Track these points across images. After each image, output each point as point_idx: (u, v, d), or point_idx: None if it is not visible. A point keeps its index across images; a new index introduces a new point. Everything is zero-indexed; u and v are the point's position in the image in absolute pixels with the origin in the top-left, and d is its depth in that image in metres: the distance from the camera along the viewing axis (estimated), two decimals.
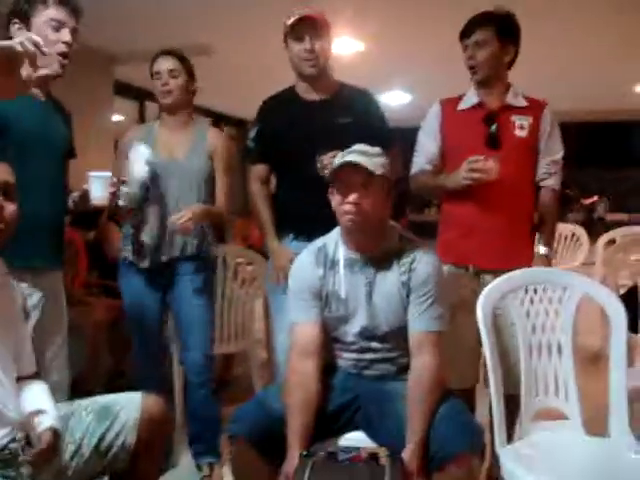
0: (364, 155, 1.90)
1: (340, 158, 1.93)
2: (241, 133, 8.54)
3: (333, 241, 2.03)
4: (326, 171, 2.19)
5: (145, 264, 2.63)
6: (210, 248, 2.75)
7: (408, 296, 1.95)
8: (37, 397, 1.66)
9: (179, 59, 2.63)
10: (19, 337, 1.69)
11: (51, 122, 2.10)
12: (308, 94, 2.50)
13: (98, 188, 2.11)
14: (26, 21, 2.01)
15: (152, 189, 2.55)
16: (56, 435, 1.57)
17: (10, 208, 1.60)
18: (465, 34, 2.39)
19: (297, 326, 2.00)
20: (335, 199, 1.94)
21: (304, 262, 2.04)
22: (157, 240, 2.60)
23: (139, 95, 5.65)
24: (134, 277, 2.67)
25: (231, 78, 6.05)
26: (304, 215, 2.42)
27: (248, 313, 3.49)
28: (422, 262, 1.96)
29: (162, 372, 2.85)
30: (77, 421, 1.71)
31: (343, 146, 2.13)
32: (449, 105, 2.49)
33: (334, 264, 2.00)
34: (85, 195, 2.13)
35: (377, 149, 1.97)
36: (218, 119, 8.16)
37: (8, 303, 1.65)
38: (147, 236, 2.60)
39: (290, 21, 2.39)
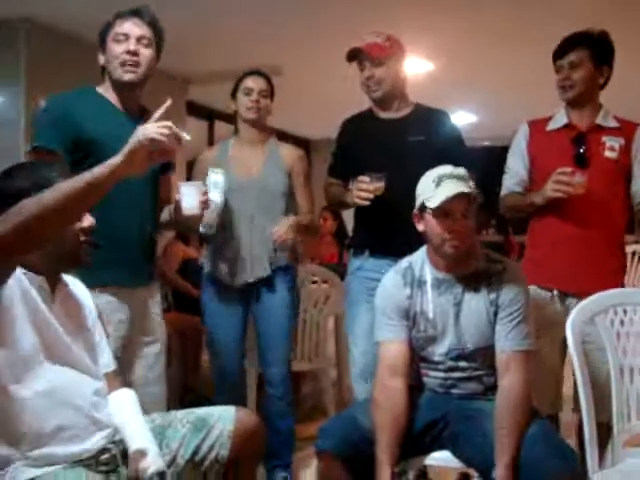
0: (461, 179, 1.91)
1: (434, 182, 1.93)
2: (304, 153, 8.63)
3: (419, 261, 2.05)
4: (360, 198, 2.31)
5: (232, 282, 2.68)
6: (296, 263, 2.81)
7: (496, 314, 1.95)
8: (131, 420, 1.67)
9: (268, 81, 2.74)
10: (96, 341, 1.72)
11: None
12: (383, 113, 2.56)
13: (189, 198, 2.12)
14: (103, 44, 2.13)
15: (230, 207, 2.61)
16: (162, 478, 1.58)
17: (89, 221, 1.61)
18: (559, 54, 2.38)
19: (385, 344, 2.01)
20: (434, 227, 1.94)
21: (391, 282, 2.05)
22: (241, 258, 2.65)
23: (209, 115, 5.78)
24: (218, 293, 2.72)
25: (297, 98, 6.13)
26: (380, 231, 2.46)
27: (321, 332, 3.51)
28: (511, 280, 1.96)
29: (239, 388, 2.86)
30: (173, 432, 1.74)
31: (414, 164, 2.19)
32: (537, 125, 2.47)
33: (421, 284, 2.01)
34: (178, 206, 2.15)
35: (462, 170, 1.97)
36: (281, 137, 8.26)
37: (77, 312, 1.68)
38: (231, 254, 2.66)
39: (346, 53, 2.48)
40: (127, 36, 2.07)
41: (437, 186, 1.92)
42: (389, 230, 2.43)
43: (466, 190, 1.89)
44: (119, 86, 2.11)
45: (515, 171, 2.50)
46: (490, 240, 6.91)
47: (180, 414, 1.80)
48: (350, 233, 2.85)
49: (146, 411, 1.78)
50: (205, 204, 2.15)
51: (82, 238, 1.58)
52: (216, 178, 2.41)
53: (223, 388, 2.77)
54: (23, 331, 1.47)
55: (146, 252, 2.21)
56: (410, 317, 2.00)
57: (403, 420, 1.91)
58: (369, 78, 2.47)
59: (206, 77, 5.20)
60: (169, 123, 1.45)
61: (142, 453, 1.58)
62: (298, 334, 3.38)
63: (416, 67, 4.99)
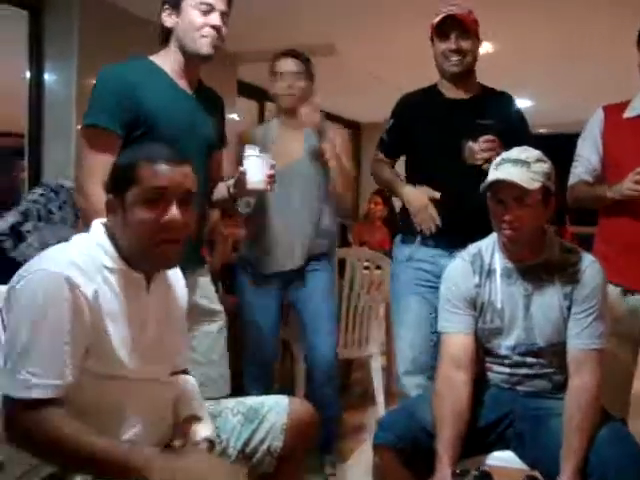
0: (520, 165, 1.77)
1: (494, 167, 1.82)
2: (353, 136, 8.50)
3: (489, 248, 1.93)
4: (477, 158, 2.18)
5: (268, 268, 2.62)
6: (335, 248, 2.74)
7: (569, 309, 1.83)
8: (190, 399, 1.62)
9: (303, 61, 2.59)
10: (182, 333, 1.67)
11: (199, 116, 2.03)
12: (451, 92, 2.41)
13: (255, 171, 1.99)
14: (177, 7, 1.96)
15: (271, 195, 2.48)
16: (211, 446, 1.54)
17: (187, 218, 1.44)
18: None
19: (449, 335, 1.91)
20: (491, 210, 1.85)
21: (458, 269, 1.94)
22: (279, 244, 2.58)
23: (259, 95, 5.70)
24: (254, 277, 2.66)
25: (349, 80, 6.01)
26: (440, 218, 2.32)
27: (372, 319, 3.43)
28: (587, 274, 1.83)
29: (271, 375, 2.83)
30: (224, 422, 1.67)
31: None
32: (614, 112, 2.29)
33: (490, 273, 1.90)
34: (242, 179, 2.03)
35: (537, 153, 1.84)
36: (330, 120, 8.18)
37: (170, 305, 1.60)
38: (269, 239, 2.59)
39: (436, 20, 2.32)
40: (212, 7, 1.93)
41: (495, 169, 1.81)
42: (445, 218, 2.30)
43: (516, 178, 1.74)
44: (190, 58, 1.97)
45: (586, 159, 2.34)
46: None
47: (231, 403, 1.73)
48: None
49: (208, 392, 1.73)
50: (272, 178, 2.05)
51: (161, 236, 1.40)
52: (257, 161, 2.21)
53: (255, 371, 2.73)
54: (117, 333, 1.40)
55: (198, 233, 2.12)
56: (477, 307, 1.90)
57: (466, 415, 1.81)
58: (455, 50, 2.30)
59: (256, 56, 5.10)
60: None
61: (194, 418, 1.55)
62: (348, 321, 3.30)
63: None
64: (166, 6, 1.97)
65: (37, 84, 3.85)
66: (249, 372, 2.73)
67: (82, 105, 3.71)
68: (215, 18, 1.94)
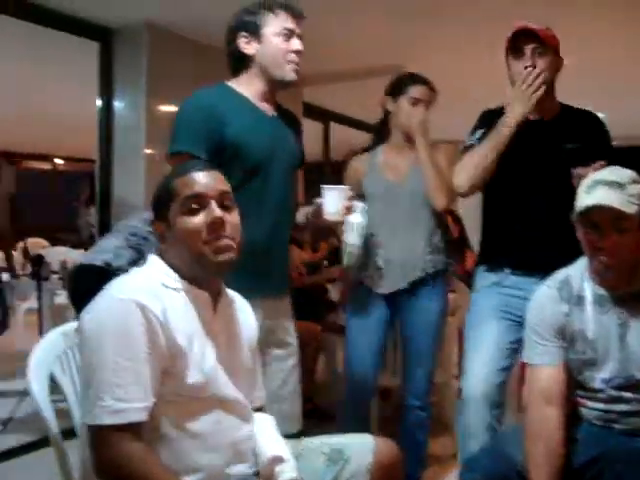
0: (616, 188, 1.64)
1: (585, 191, 1.70)
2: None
3: (578, 274, 1.81)
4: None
5: (378, 289, 2.59)
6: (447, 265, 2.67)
7: None
8: (273, 439, 1.57)
9: (434, 91, 2.62)
10: (254, 366, 1.62)
11: (281, 139, 2.05)
12: (530, 113, 2.22)
13: (332, 202, 2.00)
14: (257, 34, 1.96)
15: (382, 214, 2.53)
16: None
17: (232, 218, 1.46)
18: None
19: (537, 368, 1.79)
20: (582, 238, 1.73)
21: (546, 296, 1.83)
22: (389, 264, 2.56)
23: (325, 116, 5.68)
24: (363, 299, 2.64)
25: None
26: (523, 245, 2.19)
27: (447, 343, 3.32)
28: None
29: (369, 394, 2.78)
30: (306, 464, 1.59)
31: (567, 174, 1.99)
32: None
33: (580, 300, 1.78)
34: (319, 210, 2.04)
35: (630, 173, 1.70)
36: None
37: (238, 334, 1.56)
38: (378, 260, 2.57)
39: (510, 33, 2.18)
40: (292, 32, 1.96)
41: (587, 192, 1.69)
42: (535, 246, 2.16)
43: (613, 202, 1.61)
44: (274, 82, 1.99)
45: None
46: None
47: (313, 443, 1.65)
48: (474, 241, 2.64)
49: (280, 428, 1.65)
50: (349, 210, 2.04)
51: (207, 237, 1.41)
52: (356, 219, 2.28)
53: (353, 395, 2.70)
54: (191, 352, 1.38)
55: (285, 258, 2.10)
56: (567, 337, 1.78)
57: (560, 455, 1.69)
58: (529, 67, 2.11)
59: (321, 78, 5.10)
60: None
61: (278, 459, 1.49)
62: None
63: None
64: (243, 33, 1.98)
65: (107, 111, 3.94)
66: (347, 394, 2.72)
67: (151, 131, 3.85)
68: (297, 43, 1.97)
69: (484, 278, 2.30)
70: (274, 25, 1.95)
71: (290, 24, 1.96)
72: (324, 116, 5.62)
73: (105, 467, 1.28)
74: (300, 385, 2.13)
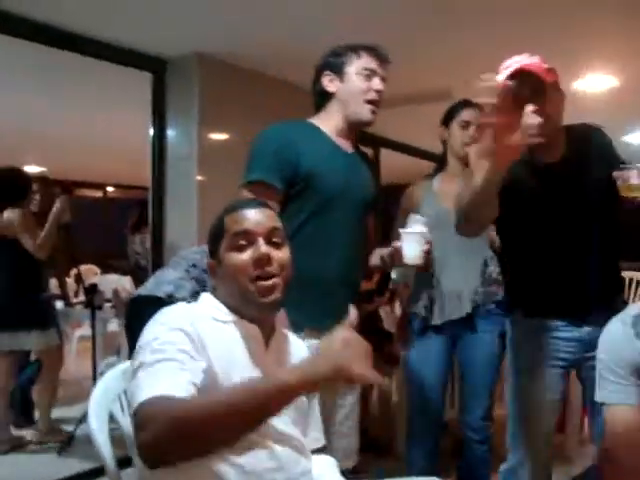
0: None
1: None
2: None
3: None
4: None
5: (437, 321, 2.56)
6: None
7: None
8: (332, 476, 1.52)
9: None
10: (307, 407, 1.54)
11: (356, 175, 2.05)
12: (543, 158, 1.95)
13: (412, 247, 1.99)
14: (340, 72, 2.02)
15: (439, 239, 2.39)
16: None
17: (280, 254, 1.46)
18: None
19: (615, 410, 1.69)
20: None
21: (619, 332, 1.73)
22: (445, 295, 2.54)
23: (374, 142, 5.66)
24: (422, 332, 2.61)
25: None
26: (538, 292, 2.04)
27: None
28: None
29: (439, 427, 2.74)
30: None
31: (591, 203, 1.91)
32: None
33: None
34: (397, 253, 2.04)
35: None
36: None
37: (292, 361, 1.52)
38: (434, 290, 2.55)
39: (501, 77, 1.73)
40: (374, 72, 2.00)
41: None
42: (548, 291, 2.02)
43: None
44: (352, 121, 2.02)
45: None
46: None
47: None
48: None
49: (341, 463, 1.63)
50: (428, 253, 2.02)
51: (253, 273, 1.41)
52: (414, 229, 2.15)
53: (422, 426, 2.66)
54: (228, 380, 1.33)
55: (352, 295, 2.06)
56: None
57: None
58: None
59: None
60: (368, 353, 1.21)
61: None
62: None
63: (599, 84, 4.57)
64: (327, 72, 2.04)
65: (160, 140, 3.99)
66: (414, 427, 2.69)
67: (203, 159, 3.87)
68: (377, 83, 1.99)
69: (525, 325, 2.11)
70: (356, 65, 2.00)
71: (373, 65, 2.00)
72: (374, 141, 5.60)
73: (148, 436, 1.13)
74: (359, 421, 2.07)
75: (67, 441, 3.71)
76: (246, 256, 1.42)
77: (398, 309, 4.22)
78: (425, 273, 2.52)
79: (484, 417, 2.62)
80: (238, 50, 3.84)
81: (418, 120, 5.01)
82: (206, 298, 1.49)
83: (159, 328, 1.31)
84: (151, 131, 3.99)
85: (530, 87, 1.67)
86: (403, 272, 2.33)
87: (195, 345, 1.29)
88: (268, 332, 1.47)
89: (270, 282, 1.42)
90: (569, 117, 1.85)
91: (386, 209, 3.28)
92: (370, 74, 1.99)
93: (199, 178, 3.86)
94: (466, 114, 2.56)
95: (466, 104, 2.58)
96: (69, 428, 3.82)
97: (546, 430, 2.08)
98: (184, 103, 3.96)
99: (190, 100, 3.91)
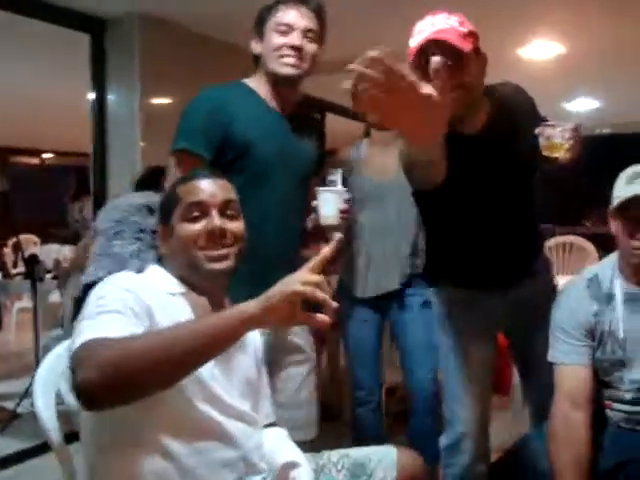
0: None
1: (626, 182, 1.63)
2: None
3: (608, 272, 1.74)
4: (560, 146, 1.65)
5: (366, 293, 2.48)
6: None
7: None
8: (284, 446, 1.50)
9: None
10: (257, 381, 1.52)
11: (294, 141, 1.94)
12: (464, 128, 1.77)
13: (328, 206, 1.86)
14: (260, 33, 1.91)
15: (368, 212, 2.41)
16: None
17: (234, 226, 1.43)
18: None
19: (565, 369, 1.72)
20: (618, 231, 1.66)
21: (575, 295, 1.76)
22: (376, 268, 2.45)
23: (320, 107, 5.58)
24: (353, 305, 2.54)
25: None
26: (462, 263, 1.97)
27: None
28: None
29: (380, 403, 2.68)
30: (327, 478, 1.52)
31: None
32: None
33: (610, 299, 1.72)
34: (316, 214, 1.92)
35: None
36: None
37: (240, 349, 1.47)
38: (365, 264, 2.47)
39: (413, 45, 1.62)
40: (291, 27, 1.85)
41: (628, 184, 1.62)
42: (472, 265, 1.94)
43: None
44: (275, 80, 1.89)
45: None
46: (590, 232, 6.29)
47: (334, 456, 1.57)
48: None
49: (294, 435, 1.58)
50: (346, 213, 1.89)
51: (205, 244, 1.39)
52: (327, 190, 1.97)
53: (363, 397, 2.60)
54: None
55: (295, 269, 1.97)
56: (596, 337, 1.71)
57: (587, 462, 1.63)
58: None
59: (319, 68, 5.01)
60: (321, 279, 1.15)
61: (293, 465, 1.41)
62: None
63: (548, 50, 4.58)
64: (255, 33, 1.93)
65: (100, 105, 3.82)
66: (356, 397, 2.63)
67: (146, 125, 3.74)
68: (294, 37, 1.84)
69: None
70: (272, 22, 1.88)
71: (289, 19, 1.86)
72: (321, 107, 5.52)
73: (85, 373, 1.07)
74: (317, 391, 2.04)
75: (9, 419, 3.60)
76: (199, 226, 1.40)
77: None
78: (357, 244, 2.45)
79: (432, 382, 2.54)
80: (182, 10, 3.67)
81: None
82: (154, 269, 1.46)
83: (106, 288, 1.28)
84: (91, 95, 3.83)
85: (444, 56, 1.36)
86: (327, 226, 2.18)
87: (141, 310, 1.26)
88: (217, 304, 1.44)
89: (220, 251, 1.40)
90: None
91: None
92: (287, 29, 1.84)
93: (142, 144, 3.73)
94: None
95: None
96: (10, 405, 3.70)
97: (483, 396, 2.01)
98: (125, 66, 3.79)
99: (131, 63, 3.75)
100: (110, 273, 1.43)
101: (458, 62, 1.56)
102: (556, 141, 1.63)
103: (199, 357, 1.14)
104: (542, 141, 1.66)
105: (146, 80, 3.75)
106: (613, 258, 1.75)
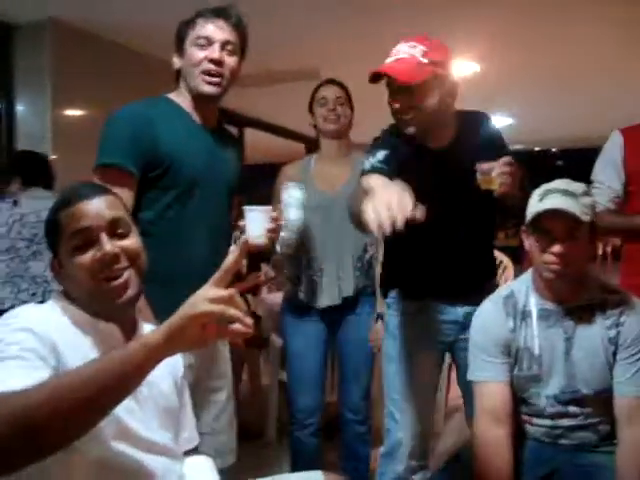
0: (570, 196, 1.61)
1: (538, 198, 1.66)
2: None
3: (523, 288, 1.76)
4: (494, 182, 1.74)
5: (313, 305, 2.48)
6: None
7: (615, 354, 1.67)
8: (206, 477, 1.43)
9: (344, 88, 2.55)
10: (177, 409, 1.43)
11: (218, 156, 1.89)
12: (431, 143, 1.92)
13: (255, 225, 1.81)
14: (180, 48, 1.85)
15: (317, 224, 2.43)
16: None
17: (127, 244, 1.29)
18: None
19: (484, 386, 1.73)
20: (532, 245, 1.68)
21: (490, 312, 1.77)
22: (324, 279, 2.47)
23: (239, 122, 5.53)
24: (300, 317, 2.53)
25: None
26: (415, 274, 2.04)
27: None
28: (633, 315, 1.67)
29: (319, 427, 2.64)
30: None
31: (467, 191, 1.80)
32: (634, 135, 2.18)
33: (525, 315, 1.73)
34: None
35: (582, 185, 1.67)
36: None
37: (157, 373, 1.38)
38: (313, 275, 2.48)
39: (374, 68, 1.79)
40: (210, 40, 1.79)
41: (540, 200, 1.65)
42: (426, 275, 2.02)
43: (570, 208, 1.58)
44: (196, 97, 1.83)
45: (607, 186, 2.26)
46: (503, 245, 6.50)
47: None
48: None
49: (216, 462, 1.52)
50: (274, 232, 1.86)
51: (103, 274, 1.25)
52: (295, 193, 2.17)
53: (303, 420, 2.56)
54: None
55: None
56: (512, 353, 1.73)
57: (509, 475, 1.63)
58: (398, 111, 1.84)
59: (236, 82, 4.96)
60: (232, 292, 1.08)
61: None
62: None
63: (464, 69, 4.75)
64: (176, 48, 1.87)
65: (8, 117, 3.67)
66: (294, 419, 2.60)
67: (57, 138, 3.59)
68: (214, 50, 1.79)
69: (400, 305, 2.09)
70: (191, 36, 1.82)
71: (207, 32, 1.80)
72: (239, 121, 5.47)
73: None
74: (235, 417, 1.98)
75: None
76: (90, 257, 1.24)
77: (265, 292, 4.17)
78: (306, 257, 2.45)
79: (363, 397, 2.60)
80: (96, 17, 3.57)
81: (286, 100, 4.95)
82: (56, 300, 1.31)
83: (1, 330, 1.13)
84: None
85: (394, 85, 1.79)
86: (284, 243, 2.19)
87: (45, 348, 1.13)
88: (129, 330, 1.32)
89: (122, 280, 1.26)
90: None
91: (251, 190, 3.18)
92: (206, 43, 1.79)
93: (54, 157, 3.58)
94: (322, 90, 2.53)
95: (324, 82, 2.56)
96: None
97: (426, 412, 2.06)
98: (35, 75, 3.65)
99: (41, 72, 3.62)
100: None
101: (408, 89, 1.76)
102: (488, 177, 1.73)
103: (112, 397, 1.04)
104: (478, 175, 1.75)
105: (57, 91, 3.62)
106: (528, 275, 1.78)
